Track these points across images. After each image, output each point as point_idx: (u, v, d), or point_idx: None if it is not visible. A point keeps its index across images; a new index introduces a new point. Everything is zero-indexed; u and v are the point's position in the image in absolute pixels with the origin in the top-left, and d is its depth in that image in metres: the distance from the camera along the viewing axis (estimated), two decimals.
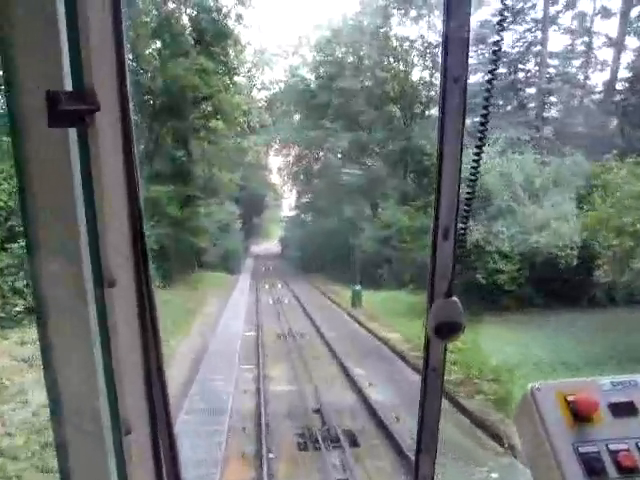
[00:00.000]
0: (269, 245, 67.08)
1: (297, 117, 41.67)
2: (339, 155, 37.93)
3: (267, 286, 31.01)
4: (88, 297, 0.96)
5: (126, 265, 0.98)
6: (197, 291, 24.35)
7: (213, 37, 25.04)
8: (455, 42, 1.03)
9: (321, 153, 40.68)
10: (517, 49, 27.39)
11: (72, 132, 0.91)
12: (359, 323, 19.00)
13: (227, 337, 16.19)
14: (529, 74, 28.58)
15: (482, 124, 1.12)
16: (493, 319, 14.13)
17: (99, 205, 0.93)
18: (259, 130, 41.72)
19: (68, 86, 0.89)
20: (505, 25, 1.18)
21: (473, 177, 1.14)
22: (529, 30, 27.44)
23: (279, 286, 30.99)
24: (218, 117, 25.78)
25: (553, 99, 28.04)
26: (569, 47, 27.92)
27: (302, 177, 47.04)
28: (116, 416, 1.01)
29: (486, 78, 1.15)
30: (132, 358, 1.01)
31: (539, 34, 27.33)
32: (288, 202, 56.48)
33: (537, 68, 27.69)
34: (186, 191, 24.25)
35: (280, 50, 41.03)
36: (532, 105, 27.82)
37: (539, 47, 27.28)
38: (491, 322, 13.63)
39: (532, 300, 16.59)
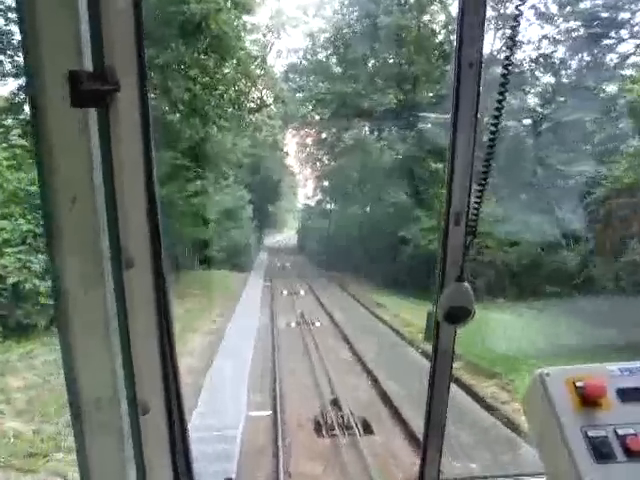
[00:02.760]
0: (285, 237, 60.11)
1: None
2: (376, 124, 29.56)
3: (285, 292, 22.92)
4: (106, 278, 0.96)
5: (143, 246, 0.97)
6: (184, 304, 16.42)
7: None
8: (470, 27, 1.08)
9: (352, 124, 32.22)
10: None
11: (92, 112, 0.91)
12: (479, 400, 9.25)
13: (211, 439, 7.12)
14: None
15: (497, 109, 1.13)
16: None
17: (119, 186, 0.92)
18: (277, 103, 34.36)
19: (88, 67, 0.88)
20: (522, 9, 1.18)
21: (486, 163, 1.15)
22: None
23: (301, 292, 22.86)
24: (215, 50, 17.46)
25: None
26: None
27: (326, 156, 38.96)
28: (133, 396, 1.01)
29: (502, 67, 1.10)
30: (149, 339, 1.01)
31: None
32: (305, 189, 49.36)
33: None
34: (169, 158, 16.16)
35: (300, 12, 32.84)
36: None
37: None
38: None
39: None
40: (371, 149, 31.21)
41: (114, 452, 1.05)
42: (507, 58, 1.14)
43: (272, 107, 37.38)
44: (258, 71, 28.37)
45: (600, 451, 0.94)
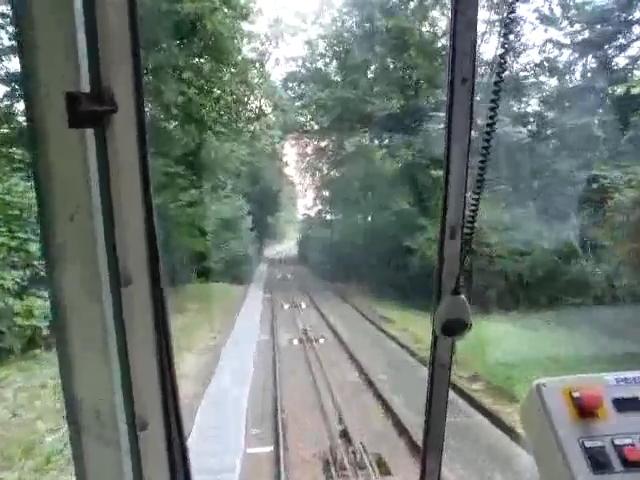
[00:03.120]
0: (285, 247, 59.44)
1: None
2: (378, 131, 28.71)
3: (286, 305, 21.88)
4: (104, 296, 0.97)
5: (141, 264, 0.98)
6: (179, 319, 15.38)
7: None
8: (463, 43, 1.08)
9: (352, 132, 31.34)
10: None
11: (89, 133, 0.92)
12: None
13: None
14: None
15: (489, 125, 1.13)
16: None
17: (117, 204, 0.93)
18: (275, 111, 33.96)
19: (85, 87, 0.89)
20: (513, 18, 1.34)
21: (480, 177, 1.17)
22: None
23: (303, 306, 21.81)
24: (211, 52, 16.55)
25: None
26: None
27: (327, 165, 38.20)
28: (131, 413, 1.01)
29: (494, 78, 1.14)
30: (147, 356, 1.01)
31: None
32: (305, 200, 48.88)
33: None
34: (160, 166, 15.20)
35: (298, 20, 32.23)
36: None
37: None
38: None
39: None
40: (373, 156, 30.39)
41: (113, 468, 1.05)
42: (500, 65, 1.18)
43: (271, 116, 37.31)
44: (257, 79, 27.84)
45: (597, 461, 0.94)
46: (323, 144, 34.01)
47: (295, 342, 14.68)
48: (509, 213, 18.83)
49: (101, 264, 0.96)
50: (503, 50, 1.26)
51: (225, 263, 29.28)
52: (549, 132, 21.58)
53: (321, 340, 14.69)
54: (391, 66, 27.37)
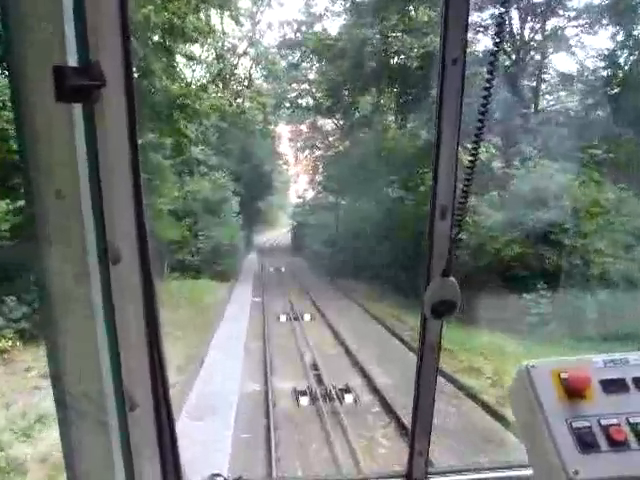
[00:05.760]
0: (276, 235, 53.69)
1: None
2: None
3: (283, 317, 15.94)
4: (92, 274, 0.95)
5: (130, 242, 0.96)
6: None
7: None
8: (454, 23, 1.09)
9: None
10: None
11: (77, 108, 0.89)
12: None
13: None
14: None
15: (483, 105, 1.12)
16: None
17: (105, 180, 0.92)
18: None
19: (73, 61, 0.87)
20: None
21: (472, 157, 1.15)
22: None
23: (306, 317, 15.85)
24: None
25: None
26: None
27: (331, 138, 32.31)
28: (121, 392, 1.00)
29: (489, 59, 1.12)
30: (136, 335, 1.00)
31: None
32: (300, 182, 43.46)
33: None
34: None
35: None
36: None
37: None
38: None
39: None
40: (390, 123, 24.44)
41: (102, 448, 1.02)
42: (494, 53, 1.17)
43: (264, 85, 31.48)
44: None
45: (584, 441, 0.95)
46: (328, 104, 27.72)
47: (304, 402, 8.65)
48: None
49: (89, 242, 0.93)
50: (498, 31, 1.25)
51: (205, 254, 23.56)
52: None
53: (348, 398, 8.65)
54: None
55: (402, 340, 12.68)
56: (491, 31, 17.37)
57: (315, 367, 10.33)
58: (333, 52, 22.76)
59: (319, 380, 9.56)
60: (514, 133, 16.01)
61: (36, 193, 0.90)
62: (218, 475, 1.39)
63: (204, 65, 26.47)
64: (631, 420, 0.97)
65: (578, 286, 12.10)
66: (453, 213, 1.20)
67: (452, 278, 1.19)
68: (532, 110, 18.10)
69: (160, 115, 12.58)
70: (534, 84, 18.96)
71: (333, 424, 7.67)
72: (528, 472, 1.08)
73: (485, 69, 1.15)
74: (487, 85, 1.12)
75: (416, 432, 1.41)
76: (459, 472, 1.55)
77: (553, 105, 19.18)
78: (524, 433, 1.06)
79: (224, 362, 10.89)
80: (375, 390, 9.06)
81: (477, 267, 14.20)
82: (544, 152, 14.22)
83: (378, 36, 20.00)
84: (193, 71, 24.69)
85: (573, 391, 1.00)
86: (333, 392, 8.74)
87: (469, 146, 1.14)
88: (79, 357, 0.97)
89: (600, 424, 0.96)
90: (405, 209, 20.82)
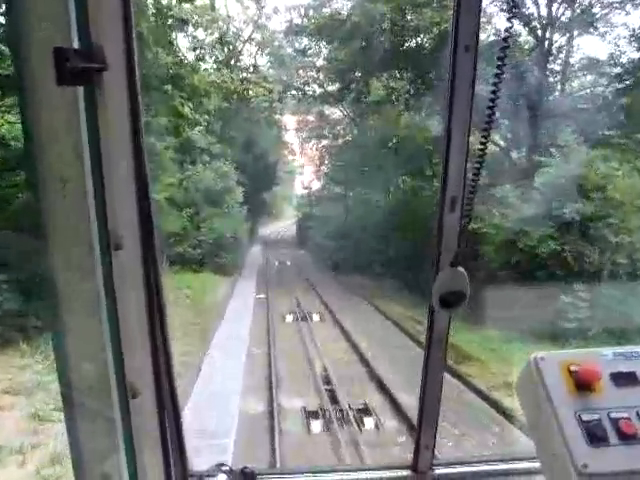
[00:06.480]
0: (281, 227, 52.62)
1: None
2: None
3: (290, 316, 14.66)
4: (95, 260, 0.94)
5: (132, 228, 0.94)
6: None
7: None
8: (467, 10, 1.06)
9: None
10: None
11: (79, 90, 0.88)
12: None
13: None
14: None
15: (493, 92, 1.08)
16: None
17: (107, 166, 0.90)
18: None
19: (75, 44, 0.86)
20: None
21: (482, 147, 1.12)
22: None
23: (315, 317, 14.56)
24: None
25: None
26: None
27: (339, 127, 30.86)
28: (122, 380, 0.99)
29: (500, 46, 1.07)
30: (138, 322, 0.98)
31: None
32: (307, 172, 42.02)
33: None
34: None
35: None
36: None
37: None
38: None
39: None
40: (402, 111, 22.91)
41: (105, 436, 1.01)
42: (505, 40, 1.11)
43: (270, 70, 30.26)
44: None
45: (594, 434, 0.92)
46: (335, 87, 26.25)
47: (316, 428, 7.29)
48: None
49: (92, 228, 0.92)
50: (510, 15, 1.15)
51: (207, 247, 22.32)
52: None
53: (368, 422, 7.32)
54: None
55: (414, 339, 11.42)
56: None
57: (328, 380, 9.02)
58: (343, 31, 21.18)
59: (332, 397, 8.24)
60: (547, 117, 14.55)
61: (39, 179, 0.89)
62: (223, 465, 1.37)
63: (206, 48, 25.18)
64: None
65: (623, 288, 10.72)
66: (463, 204, 1.17)
67: (461, 268, 1.15)
68: (566, 93, 16.62)
69: (149, 88, 11.26)
70: (569, 67, 17.39)
71: (348, 448, 6.34)
72: (535, 464, 1.06)
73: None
74: (498, 72, 1.08)
75: (422, 425, 1.39)
76: (464, 464, 1.47)
77: (593, 87, 17.52)
78: (532, 425, 1.03)
79: (223, 371, 9.62)
80: (399, 411, 7.74)
81: (505, 265, 12.86)
82: (582, 138, 12.73)
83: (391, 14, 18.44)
84: (195, 50, 23.28)
85: (583, 384, 0.97)
86: (350, 414, 7.41)
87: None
88: (82, 344, 0.96)
89: (610, 417, 0.94)
90: (418, 201, 19.47)
